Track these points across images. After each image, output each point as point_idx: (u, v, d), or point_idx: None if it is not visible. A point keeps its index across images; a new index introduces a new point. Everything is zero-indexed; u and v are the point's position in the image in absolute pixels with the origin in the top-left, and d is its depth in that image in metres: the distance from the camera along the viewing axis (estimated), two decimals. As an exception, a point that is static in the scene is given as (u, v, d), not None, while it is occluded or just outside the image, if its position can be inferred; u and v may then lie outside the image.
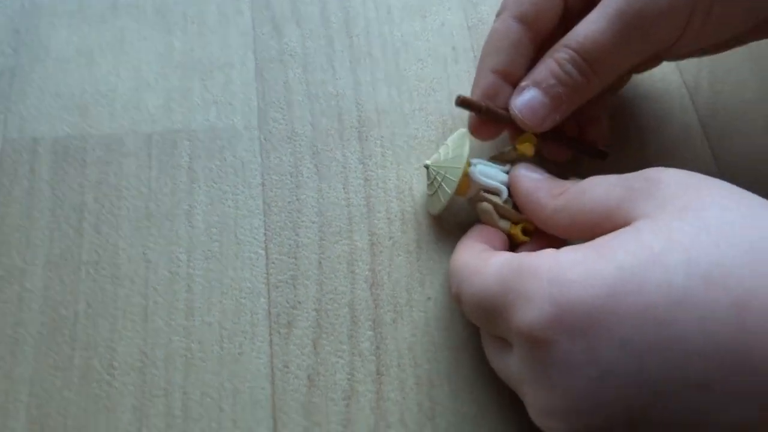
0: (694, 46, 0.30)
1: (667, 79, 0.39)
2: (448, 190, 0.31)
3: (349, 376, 0.31)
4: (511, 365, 0.26)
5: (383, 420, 0.31)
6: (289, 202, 0.35)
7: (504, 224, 0.32)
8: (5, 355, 0.31)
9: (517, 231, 0.31)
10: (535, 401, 0.24)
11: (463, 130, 0.33)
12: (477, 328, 0.32)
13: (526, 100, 0.30)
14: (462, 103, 0.31)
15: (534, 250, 0.30)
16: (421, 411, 0.31)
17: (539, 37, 0.32)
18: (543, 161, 0.33)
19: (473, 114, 0.32)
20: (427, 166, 0.33)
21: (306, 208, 0.35)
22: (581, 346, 0.22)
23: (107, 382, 0.31)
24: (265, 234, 0.34)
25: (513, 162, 0.33)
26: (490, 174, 0.32)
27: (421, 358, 0.32)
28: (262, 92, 0.38)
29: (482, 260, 0.28)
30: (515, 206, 0.31)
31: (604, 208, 0.25)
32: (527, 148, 0.32)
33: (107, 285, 0.33)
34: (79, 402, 0.30)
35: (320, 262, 0.34)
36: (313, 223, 0.35)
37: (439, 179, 0.32)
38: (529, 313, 0.23)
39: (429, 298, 0.33)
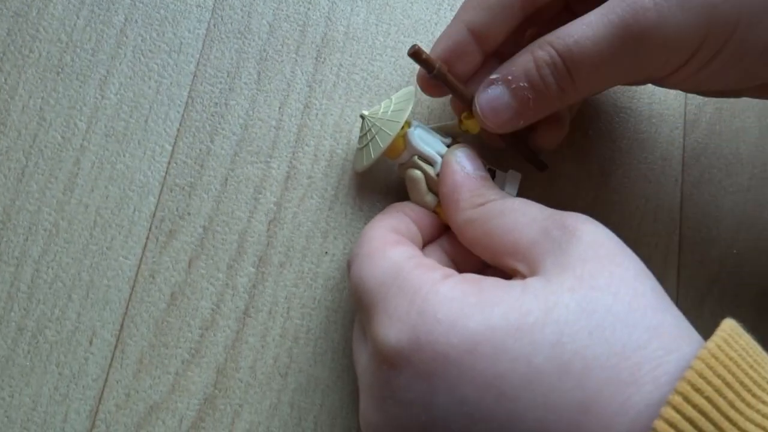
0: (689, 85, 0.27)
1: (668, 100, 0.35)
2: (381, 144, 0.28)
3: (215, 307, 0.30)
4: (361, 360, 0.25)
5: (234, 362, 0.29)
6: (216, 103, 0.32)
7: (431, 199, 0.29)
8: None
9: (441, 211, 0.29)
10: (365, 410, 0.23)
11: (411, 89, 0.29)
12: (364, 299, 0.30)
13: (490, 97, 0.27)
14: (414, 55, 0.27)
15: (451, 243, 0.28)
16: (275, 364, 0.29)
17: (532, 4, 0.28)
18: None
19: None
20: (363, 116, 0.29)
21: (231, 116, 0.32)
22: (422, 386, 0.21)
23: (-42, 232, 0.29)
24: (178, 130, 0.31)
25: (455, 136, 0.30)
26: (429, 141, 0.29)
27: (295, 312, 0.30)
28: (229, -29, 0.33)
29: (384, 245, 0.25)
30: None
31: (512, 243, 0.24)
32: (472, 125, 0.29)
33: (-9, 130, 0.30)
34: (-76, 243, 0.28)
35: (226, 179, 0.31)
36: (234, 134, 0.31)
37: (374, 132, 0.29)
38: (387, 331, 0.22)
39: (326, 253, 0.31)
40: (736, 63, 0.25)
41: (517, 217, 0.24)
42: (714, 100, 0.35)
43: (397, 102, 0.29)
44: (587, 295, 0.20)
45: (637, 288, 0.21)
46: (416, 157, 0.29)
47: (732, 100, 0.35)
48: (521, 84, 0.26)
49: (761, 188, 0.34)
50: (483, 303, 0.21)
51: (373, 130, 0.29)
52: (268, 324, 0.30)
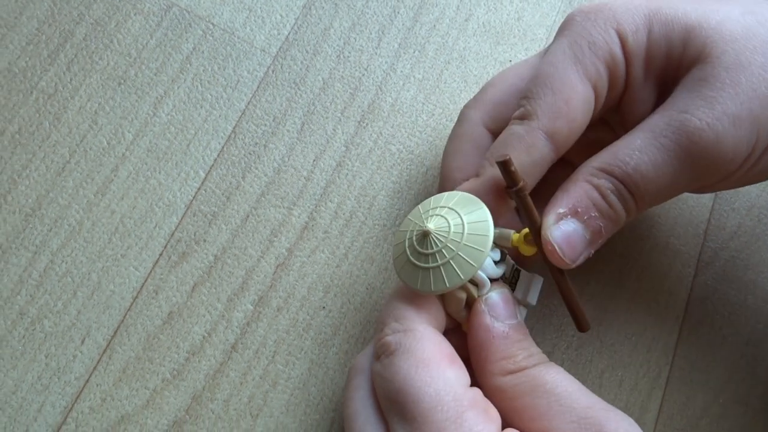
0: (741, 183, 0.28)
1: (686, 236, 0.36)
2: (462, 276, 0.25)
3: (206, 335, 0.30)
4: None
5: (210, 391, 0.30)
6: (256, 143, 0.33)
7: (465, 315, 0.27)
8: None
9: None
10: None
11: (475, 198, 0.26)
12: (348, 360, 0.31)
13: (565, 233, 0.26)
14: (504, 164, 0.25)
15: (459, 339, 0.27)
16: (249, 404, 0.30)
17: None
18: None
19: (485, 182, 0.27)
20: (427, 233, 0.25)
21: (267, 158, 0.33)
22: None
23: (-9, 210, 0.30)
24: (215, 160, 0.33)
25: (504, 248, 0.28)
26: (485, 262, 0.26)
27: (280, 357, 0.31)
28: (299, 25, 0.35)
29: (441, 357, 0.24)
30: None
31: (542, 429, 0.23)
32: (528, 250, 0.27)
33: (46, 122, 0.32)
34: (-42, 212, 0.30)
35: (248, 216, 0.32)
36: (265, 175, 0.33)
37: (447, 255, 0.25)
38: None
39: (323, 308, 0.32)
40: None
41: (551, 402, 0.24)
42: (732, 247, 0.36)
43: (468, 212, 0.26)
44: None
45: None
46: None
47: (749, 251, 0.36)
48: (592, 214, 0.26)
49: (760, 343, 0.34)
50: None
51: (445, 253, 0.25)
52: (252, 363, 0.31)
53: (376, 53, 0.36)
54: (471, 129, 0.29)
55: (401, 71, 0.36)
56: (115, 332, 0.30)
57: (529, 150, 0.26)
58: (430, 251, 0.25)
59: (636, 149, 0.26)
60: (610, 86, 0.27)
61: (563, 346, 0.33)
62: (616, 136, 0.27)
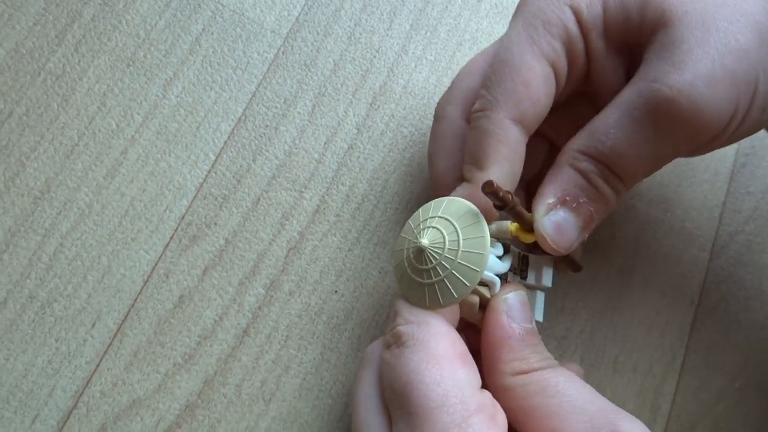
0: (727, 143, 0.27)
1: (701, 220, 0.35)
2: (455, 294, 0.24)
3: (217, 319, 0.30)
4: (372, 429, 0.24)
5: (222, 376, 0.30)
6: (266, 125, 0.33)
7: (481, 317, 0.26)
8: (-72, 113, 0.30)
9: None
10: None
11: (472, 207, 0.25)
12: (361, 344, 0.31)
13: (555, 223, 0.25)
14: (491, 193, 0.23)
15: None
16: (261, 388, 0.30)
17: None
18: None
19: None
20: (423, 248, 0.24)
21: (278, 141, 0.33)
22: None
23: (-1, 192, 0.30)
24: (225, 142, 0.32)
25: (504, 240, 0.27)
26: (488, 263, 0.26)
27: (292, 342, 0.30)
28: (309, 6, 0.35)
29: (453, 355, 0.24)
30: None
31: (552, 431, 0.23)
32: (528, 238, 0.26)
33: (54, 103, 0.31)
34: (-34, 194, 0.30)
35: (259, 199, 0.32)
36: (276, 158, 0.32)
37: (441, 273, 0.24)
38: None
39: (336, 292, 0.31)
40: (765, 110, 0.25)
41: (562, 402, 0.23)
42: (748, 230, 0.35)
43: (463, 226, 0.25)
44: None
45: None
46: None
47: (765, 234, 0.35)
48: (581, 200, 0.25)
49: (776, 329, 0.34)
50: None
51: (439, 270, 0.24)
52: (264, 347, 0.30)
53: (387, 35, 0.35)
54: (452, 126, 0.29)
55: (413, 53, 0.35)
56: (126, 316, 0.29)
57: (504, 142, 0.26)
58: (429, 266, 0.24)
59: (611, 126, 0.25)
60: (570, 62, 0.27)
61: (576, 331, 0.33)
62: (598, 109, 0.27)
